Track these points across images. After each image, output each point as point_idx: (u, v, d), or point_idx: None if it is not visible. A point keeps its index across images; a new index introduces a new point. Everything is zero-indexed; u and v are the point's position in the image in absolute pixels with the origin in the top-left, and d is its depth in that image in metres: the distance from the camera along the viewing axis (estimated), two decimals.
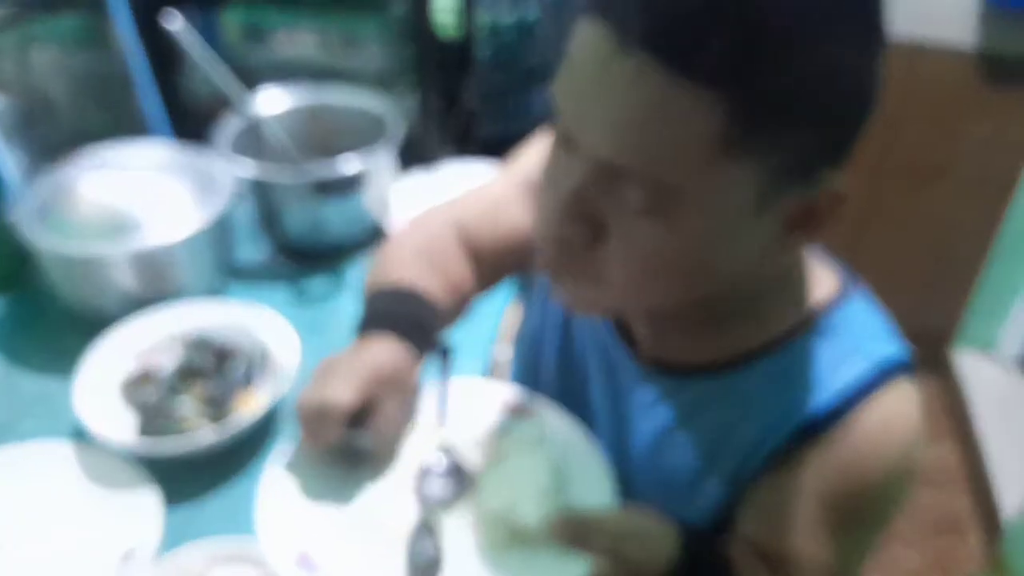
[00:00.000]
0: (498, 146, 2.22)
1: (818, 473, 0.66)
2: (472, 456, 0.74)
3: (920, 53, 1.94)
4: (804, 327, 0.67)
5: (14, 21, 1.24)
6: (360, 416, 0.68)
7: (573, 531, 0.62)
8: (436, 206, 0.91)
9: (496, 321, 1.22)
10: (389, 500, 0.71)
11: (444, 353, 0.79)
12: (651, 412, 0.74)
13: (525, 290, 0.96)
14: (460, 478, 0.72)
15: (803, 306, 0.68)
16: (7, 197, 1.10)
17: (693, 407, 0.71)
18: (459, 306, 0.85)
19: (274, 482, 0.70)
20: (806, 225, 0.57)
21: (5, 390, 1.08)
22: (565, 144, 0.57)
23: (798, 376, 0.67)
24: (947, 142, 2.04)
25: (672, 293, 0.61)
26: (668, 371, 0.73)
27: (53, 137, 1.26)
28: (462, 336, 1.12)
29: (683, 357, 0.72)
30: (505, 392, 0.80)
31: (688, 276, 0.59)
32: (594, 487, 0.69)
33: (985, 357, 2.41)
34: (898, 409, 0.66)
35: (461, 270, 0.85)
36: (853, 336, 0.67)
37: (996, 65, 1.92)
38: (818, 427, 0.65)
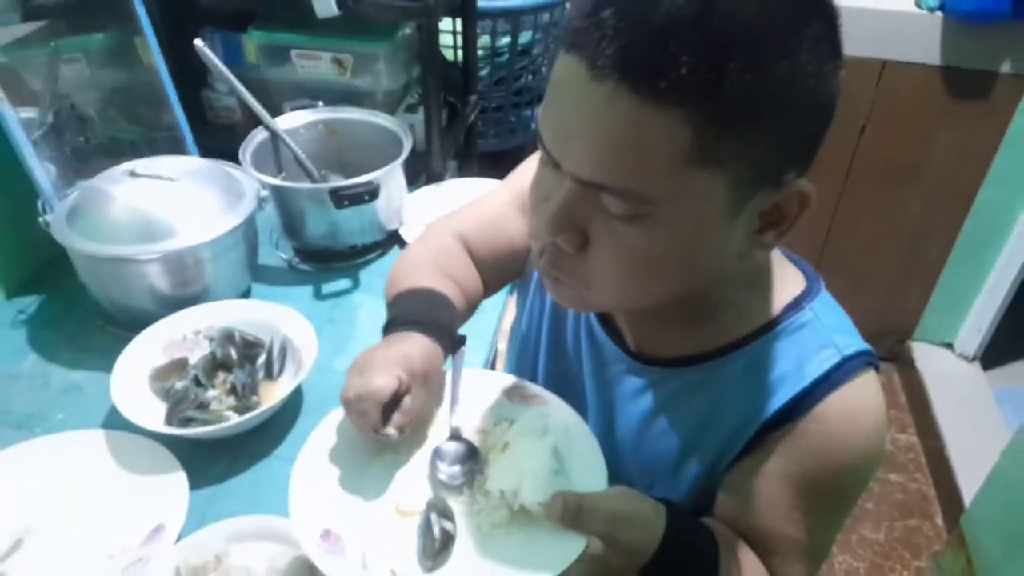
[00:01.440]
0: (497, 158, 2.22)
1: (792, 458, 0.66)
2: (480, 441, 0.75)
3: (890, 68, 1.94)
4: (777, 322, 0.68)
5: (45, 38, 1.22)
6: (392, 404, 0.69)
7: (570, 512, 0.62)
8: (443, 218, 0.93)
9: (498, 314, 1.22)
10: (406, 482, 0.72)
11: (458, 344, 0.80)
12: (637, 401, 0.74)
13: (519, 287, 0.96)
14: (470, 462, 0.72)
15: (775, 303, 0.69)
16: (41, 202, 1.08)
17: (675, 396, 0.72)
18: (470, 308, 0.88)
19: (306, 466, 0.71)
20: (777, 225, 0.58)
21: (38, 384, 1.06)
22: (551, 166, 0.58)
23: (772, 367, 0.67)
24: (914, 149, 2.05)
25: (654, 293, 0.62)
26: (652, 363, 0.73)
27: (83, 149, 1.24)
28: (467, 328, 1.11)
29: (666, 350, 0.72)
30: (511, 382, 0.80)
31: (669, 277, 0.60)
32: (591, 472, 0.69)
33: (945, 351, 2.41)
34: (864, 398, 0.66)
35: (470, 276, 0.88)
36: (822, 331, 0.67)
37: (959, 78, 1.92)
38: (791, 415, 0.66)
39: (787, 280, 0.70)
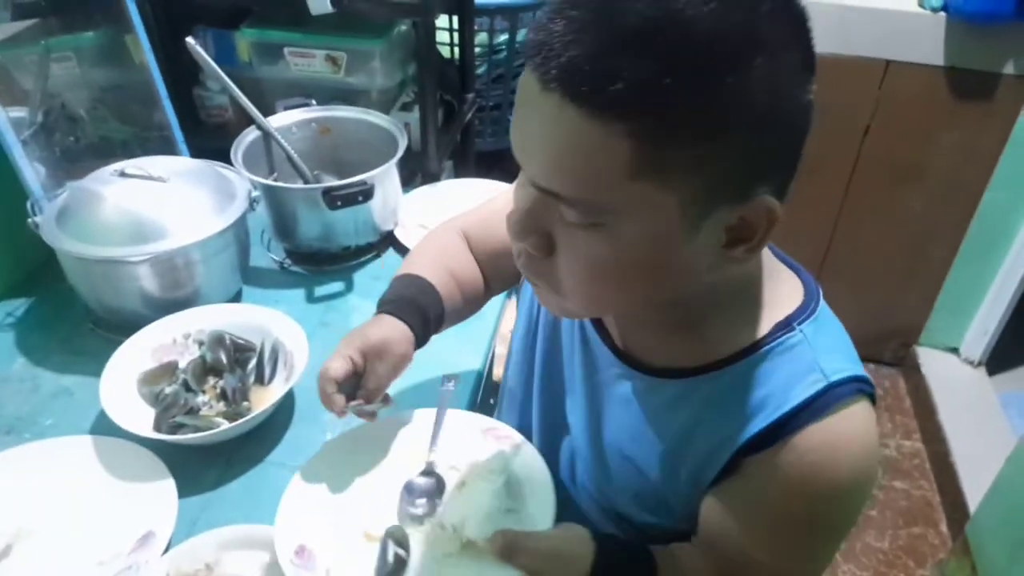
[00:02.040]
0: (495, 158, 2.22)
1: (767, 486, 0.65)
2: (448, 477, 0.85)
3: (893, 68, 1.94)
4: (764, 342, 0.66)
5: (36, 36, 1.23)
6: (355, 383, 0.81)
7: (507, 548, 0.70)
8: (451, 218, 0.99)
9: (496, 318, 1.22)
10: (378, 509, 0.82)
11: (446, 386, 0.93)
12: (626, 406, 0.74)
13: (519, 290, 0.97)
14: (435, 495, 0.82)
15: (764, 321, 0.67)
16: (30, 203, 1.09)
17: (661, 406, 0.71)
18: (466, 301, 0.93)
19: (295, 489, 0.82)
20: (746, 240, 0.58)
21: (27, 388, 1.06)
22: (523, 172, 0.60)
23: (755, 389, 0.66)
24: (918, 150, 2.05)
25: (622, 301, 0.64)
26: (643, 370, 0.73)
27: (73, 148, 1.25)
28: (465, 332, 1.11)
29: (655, 358, 0.72)
30: (489, 424, 0.90)
31: (632, 286, 0.61)
32: (541, 511, 0.77)
33: (951, 356, 2.41)
34: (848, 429, 0.64)
35: (468, 270, 0.94)
36: (810, 354, 0.65)
37: (963, 78, 1.93)
38: (770, 440, 0.64)
39: (782, 294, 0.68)
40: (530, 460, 0.83)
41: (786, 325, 0.66)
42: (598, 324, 0.78)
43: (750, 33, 0.50)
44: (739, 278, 0.66)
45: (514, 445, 0.86)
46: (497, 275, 0.96)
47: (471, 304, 0.95)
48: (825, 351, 0.65)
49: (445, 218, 0.99)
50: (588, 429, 0.79)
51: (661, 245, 0.56)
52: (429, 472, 0.84)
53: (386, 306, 0.85)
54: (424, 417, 0.91)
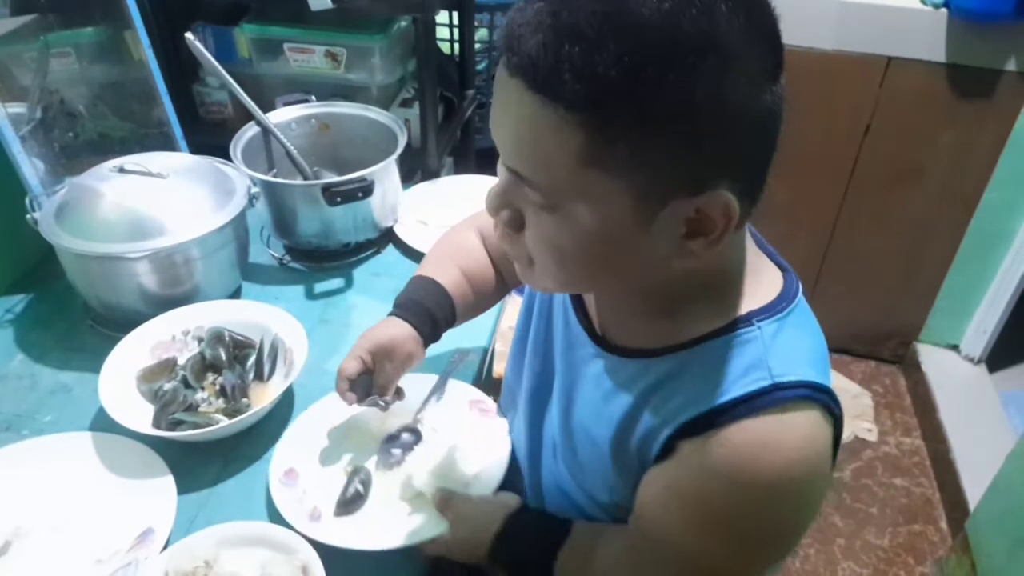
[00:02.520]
0: (495, 155, 2.22)
1: (694, 472, 0.65)
2: (428, 436, 0.97)
3: (895, 65, 1.94)
4: (725, 331, 0.66)
5: (35, 31, 1.22)
6: (368, 380, 0.91)
7: (441, 502, 0.85)
8: (471, 215, 1.04)
9: (496, 315, 1.22)
10: (361, 451, 0.96)
11: (458, 358, 1.03)
12: (594, 386, 0.76)
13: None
14: (410, 449, 0.95)
15: (731, 313, 0.67)
16: (29, 199, 1.08)
17: (621, 386, 0.72)
18: (478, 296, 0.99)
19: (300, 423, 0.98)
20: (706, 233, 0.58)
21: (26, 385, 1.06)
22: None
23: (700, 377, 0.66)
24: (918, 148, 2.05)
25: (588, 281, 0.68)
26: (614, 351, 0.74)
27: (72, 145, 1.25)
28: (465, 329, 1.12)
29: (629, 341, 0.73)
30: (479, 397, 1.01)
31: (593, 268, 0.63)
32: (485, 479, 0.89)
33: (951, 353, 2.41)
34: (783, 433, 0.62)
35: (480, 268, 0.99)
36: (762, 352, 0.64)
37: (964, 76, 1.92)
38: (704, 428, 0.64)
39: (759, 288, 0.68)
40: (498, 436, 0.94)
41: (746, 320, 0.66)
42: (578, 306, 0.79)
43: (703, 32, 0.50)
44: (715, 269, 0.66)
45: (488, 419, 0.97)
46: (511, 269, 0.97)
47: (485, 300, 1.01)
48: (780, 352, 0.64)
49: (445, 214, 1.01)
50: (561, 407, 0.81)
51: (616, 232, 0.58)
52: (411, 428, 0.97)
53: (397, 309, 0.93)
54: (426, 381, 1.02)
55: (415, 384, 1.00)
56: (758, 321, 0.65)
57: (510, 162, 0.59)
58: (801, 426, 0.63)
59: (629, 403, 0.71)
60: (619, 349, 0.73)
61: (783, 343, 0.65)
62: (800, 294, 0.69)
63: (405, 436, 0.96)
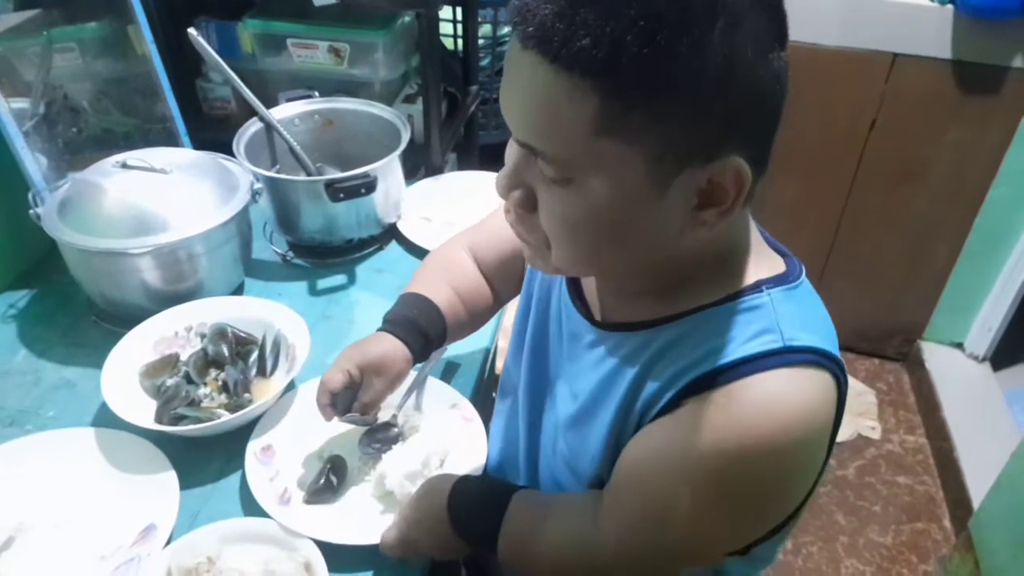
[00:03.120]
0: (498, 151, 2.22)
1: (695, 426, 0.63)
2: (406, 433, 0.98)
3: (900, 61, 1.93)
4: (732, 298, 0.66)
5: (38, 27, 1.22)
6: (352, 394, 0.90)
7: (389, 543, 0.82)
8: (456, 235, 1.03)
9: (498, 314, 1.21)
10: (342, 441, 0.96)
11: (434, 348, 0.97)
12: (595, 370, 0.75)
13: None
14: (388, 445, 0.95)
15: (741, 281, 0.67)
16: (32, 195, 1.08)
17: (625, 360, 0.72)
18: (471, 315, 0.99)
19: (287, 400, 0.99)
20: (717, 203, 0.59)
21: (29, 380, 1.06)
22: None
23: (708, 338, 0.65)
24: (924, 145, 2.04)
25: (600, 258, 0.65)
26: (616, 328, 0.74)
27: (75, 140, 1.24)
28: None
29: (630, 317, 0.72)
30: (461, 402, 1.01)
31: (606, 243, 0.62)
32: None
33: (955, 351, 2.40)
34: (791, 391, 0.62)
35: (473, 286, 0.98)
36: (773, 316, 0.64)
37: (970, 72, 1.92)
38: (708, 384, 0.63)
39: (763, 264, 0.69)
40: (475, 442, 0.95)
41: (755, 287, 0.66)
42: (576, 295, 0.79)
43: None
44: (722, 246, 0.67)
45: (469, 426, 0.98)
46: (505, 283, 1.00)
47: (477, 318, 1.01)
48: (789, 318, 0.64)
49: (448, 211, 1.00)
50: (564, 404, 0.80)
51: (630, 203, 0.58)
52: (391, 424, 0.97)
53: (388, 324, 0.92)
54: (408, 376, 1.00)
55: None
56: (767, 288, 0.66)
57: (523, 136, 0.59)
58: (808, 389, 0.62)
59: (633, 375, 0.70)
60: (620, 326, 0.73)
61: (792, 311, 0.65)
62: (804, 275, 0.69)
63: (385, 431, 0.97)
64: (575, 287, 0.80)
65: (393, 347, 0.90)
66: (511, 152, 0.63)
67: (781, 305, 0.65)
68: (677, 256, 0.65)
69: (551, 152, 0.58)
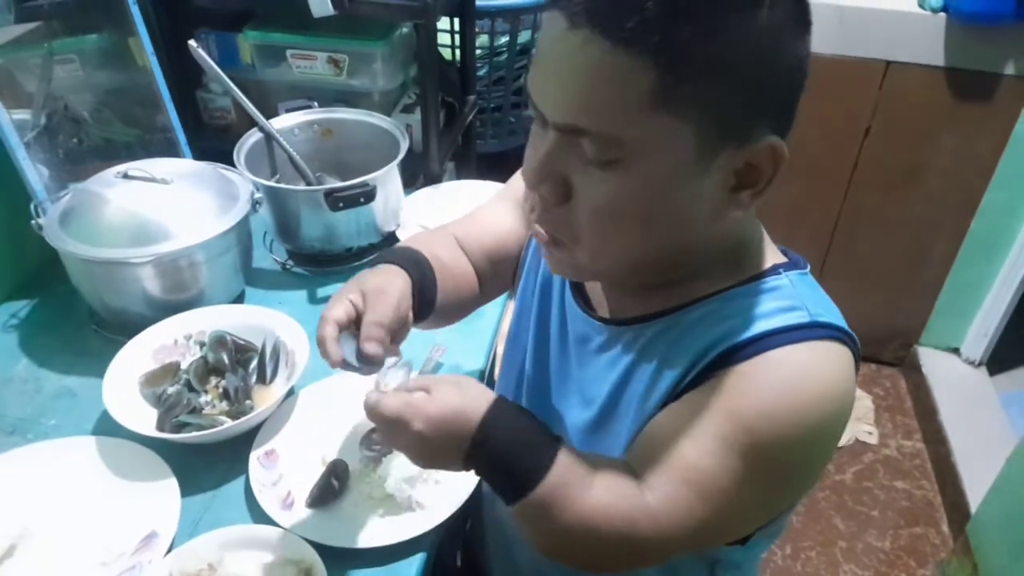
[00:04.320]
0: (496, 160, 2.22)
1: (726, 393, 0.63)
2: None
3: (894, 69, 1.94)
4: (752, 280, 0.68)
5: (39, 38, 1.23)
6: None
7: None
8: (439, 226, 0.97)
9: (497, 317, 1.22)
10: (344, 444, 0.97)
11: (436, 353, 1.02)
12: (612, 368, 0.74)
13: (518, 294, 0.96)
14: (387, 448, 0.93)
15: (757, 268, 0.69)
16: (33, 205, 1.09)
17: (644, 350, 0.72)
18: (466, 297, 0.91)
19: (290, 405, 1.00)
20: (752, 184, 0.60)
21: (30, 389, 1.06)
22: (540, 122, 0.62)
23: (740, 312, 0.66)
24: (918, 151, 2.05)
25: (636, 246, 0.64)
26: (629, 323, 0.73)
27: (76, 151, 1.25)
28: (467, 332, 1.12)
29: (645, 310, 0.72)
30: None
31: (646, 229, 0.62)
32: (455, 489, 0.90)
33: (952, 356, 2.41)
34: (824, 362, 0.63)
35: (464, 267, 0.91)
36: (796, 295, 0.66)
37: (963, 79, 1.92)
38: (734, 357, 0.63)
39: (769, 258, 0.70)
40: None
41: (773, 270, 0.68)
42: (579, 295, 0.79)
43: None
44: (735, 240, 0.68)
45: None
46: (492, 277, 0.94)
47: (461, 300, 0.90)
48: (811, 299, 0.66)
49: (446, 219, 0.99)
50: (581, 403, 0.79)
51: (676, 182, 0.59)
52: None
53: (383, 256, 0.83)
54: (405, 377, 0.96)
55: (394, 379, 0.98)
56: (784, 271, 0.68)
57: (569, 117, 0.58)
58: (836, 363, 0.64)
59: (651, 368, 0.69)
60: (635, 319, 0.72)
61: (810, 292, 0.68)
62: (808, 268, 0.71)
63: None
64: (578, 289, 0.79)
65: (395, 274, 0.79)
66: (545, 140, 0.61)
67: (800, 286, 0.67)
68: (699, 244, 0.65)
69: (604, 130, 0.57)
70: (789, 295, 0.66)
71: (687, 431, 0.63)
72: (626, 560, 0.67)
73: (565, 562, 0.69)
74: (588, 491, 0.64)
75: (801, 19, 0.58)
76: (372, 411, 0.65)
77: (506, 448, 0.64)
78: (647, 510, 0.63)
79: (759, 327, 0.64)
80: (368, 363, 0.73)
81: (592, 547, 0.65)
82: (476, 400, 0.65)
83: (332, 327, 0.74)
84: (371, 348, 0.72)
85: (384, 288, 0.77)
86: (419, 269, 0.81)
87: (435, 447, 0.64)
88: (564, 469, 0.63)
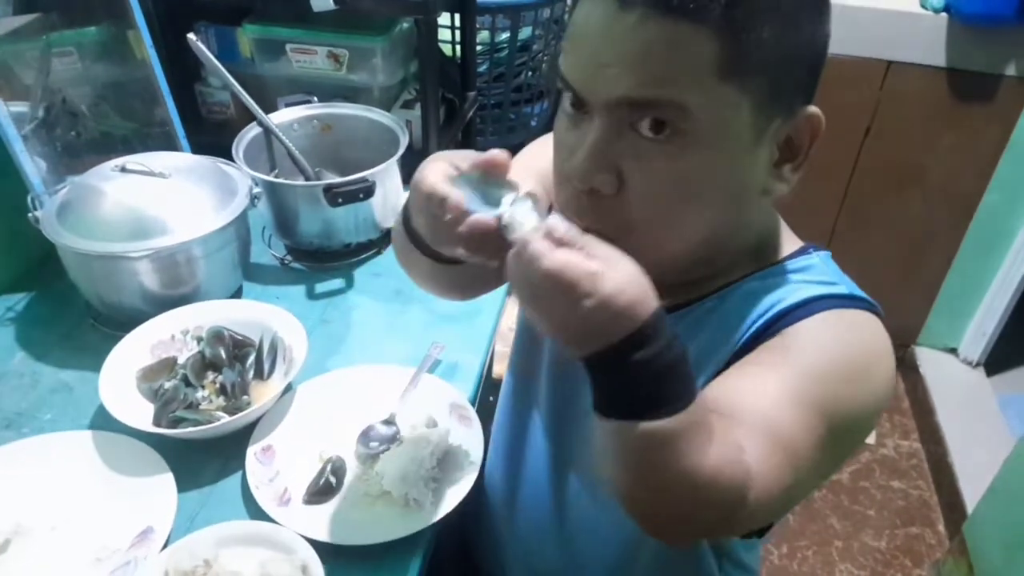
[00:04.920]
0: None
1: (789, 350, 0.62)
2: (404, 431, 0.97)
3: (895, 69, 1.94)
4: (785, 259, 0.70)
5: (37, 31, 1.22)
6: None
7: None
8: None
9: (496, 316, 1.22)
10: (341, 439, 0.96)
11: (435, 350, 1.01)
12: None
13: None
14: (387, 443, 0.95)
15: (783, 252, 0.71)
16: (30, 198, 1.08)
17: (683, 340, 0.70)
18: (488, 274, 0.78)
19: (287, 400, 0.99)
20: (792, 158, 0.62)
21: (26, 383, 1.06)
22: (575, 114, 0.61)
23: (776, 287, 0.67)
24: (918, 152, 2.05)
25: (692, 228, 0.62)
26: (672, 310, 0.71)
27: (74, 144, 1.24)
28: (466, 330, 1.11)
29: (668, 304, 0.69)
30: (460, 400, 1.01)
31: (705, 206, 0.61)
32: (454, 491, 0.89)
33: (950, 357, 2.41)
34: (874, 325, 0.65)
35: None
36: (829, 273, 0.69)
37: (964, 80, 1.92)
38: (791, 315, 0.64)
39: (793, 242, 0.73)
40: (472, 445, 0.94)
41: (802, 251, 0.70)
42: None
43: None
44: (763, 228, 0.70)
45: (467, 426, 0.97)
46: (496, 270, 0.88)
47: (486, 271, 0.71)
48: (842, 276, 0.69)
49: None
50: None
51: (733, 157, 0.59)
52: (389, 422, 0.97)
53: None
54: (404, 374, 1.03)
55: (393, 376, 1.02)
56: (813, 251, 0.70)
57: (627, 89, 0.56)
58: (882, 331, 0.65)
59: (702, 346, 0.69)
60: (667, 310, 0.70)
61: (839, 271, 0.70)
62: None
63: (383, 429, 0.96)
64: None
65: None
66: (586, 133, 0.59)
67: (830, 264, 0.70)
68: (740, 231, 0.66)
69: (670, 96, 0.55)
70: (822, 272, 0.68)
71: (758, 388, 0.59)
72: (722, 526, 0.60)
73: (650, 517, 0.58)
74: (711, 442, 0.54)
75: (825, 3, 0.59)
76: (532, 264, 0.50)
77: (664, 358, 0.51)
78: (753, 471, 0.55)
79: (805, 293, 0.65)
80: (491, 198, 0.58)
81: (704, 503, 0.54)
82: (647, 286, 0.52)
83: (442, 181, 0.61)
84: (501, 155, 0.58)
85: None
86: None
87: (600, 322, 0.50)
88: (701, 408, 0.53)
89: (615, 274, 0.50)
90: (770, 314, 0.65)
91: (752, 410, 0.58)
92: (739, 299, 0.68)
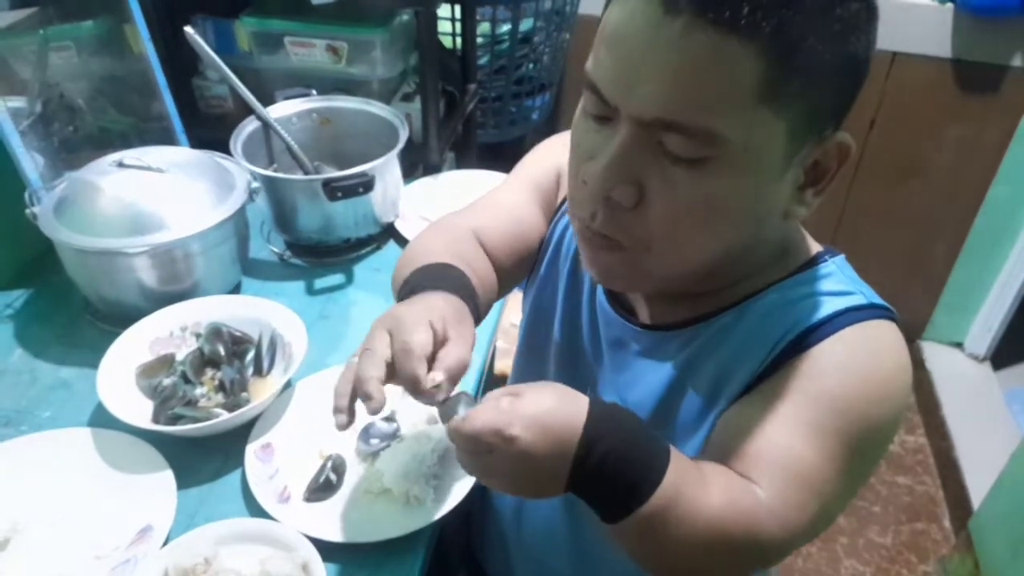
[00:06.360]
0: (497, 150, 2.22)
1: (807, 377, 0.62)
2: (405, 428, 0.97)
3: (900, 60, 1.94)
4: (800, 270, 0.69)
5: (34, 25, 1.22)
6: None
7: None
8: (453, 213, 0.89)
9: (497, 311, 1.23)
10: (340, 436, 0.94)
11: None
12: (656, 373, 0.73)
13: (527, 285, 0.94)
14: (388, 440, 0.95)
15: (802, 259, 0.70)
16: (28, 194, 1.08)
17: (699, 353, 0.70)
18: (485, 300, 0.80)
19: (286, 397, 0.99)
20: (816, 182, 0.60)
21: (25, 380, 1.06)
22: (600, 120, 0.59)
23: (797, 300, 0.66)
24: (923, 144, 2.05)
25: (710, 248, 0.62)
26: (671, 329, 0.72)
27: (72, 139, 1.24)
28: None
29: (684, 317, 0.71)
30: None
31: (726, 228, 0.60)
32: (457, 488, 0.89)
33: (955, 351, 2.41)
34: (890, 339, 0.65)
35: (485, 269, 0.82)
36: (847, 281, 0.68)
37: (969, 71, 1.92)
38: (810, 338, 0.64)
39: (812, 247, 0.72)
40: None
41: (819, 259, 0.69)
42: (614, 300, 0.77)
43: None
44: (784, 236, 0.69)
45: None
46: (511, 275, 0.87)
47: (488, 304, 0.82)
48: (857, 282, 0.68)
49: (446, 210, 0.95)
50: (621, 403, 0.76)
51: (760, 182, 0.57)
52: (390, 419, 0.97)
53: (430, 286, 0.70)
54: None
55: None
56: (830, 258, 0.69)
57: (661, 110, 0.53)
58: (898, 340, 0.65)
59: (718, 362, 0.68)
60: (682, 324, 0.71)
61: (854, 275, 0.69)
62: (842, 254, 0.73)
63: (384, 426, 0.96)
64: (612, 293, 0.77)
65: (462, 306, 0.68)
66: (611, 140, 0.57)
67: (846, 270, 0.69)
68: (759, 245, 0.66)
69: (701, 124, 0.53)
70: (839, 281, 0.67)
71: (777, 421, 0.61)
72: (752, 563, 0.62)
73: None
74: (706, 495, 0.57)
75: (872, 14, 0.56)
76: (459, 430, 0.57)
77: (620, 448, 0.55)
78: (766, 507, 0.58)
79: (825, 310, 0.65)
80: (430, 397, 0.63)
81: (719, 554, 0.58)
82: (573, 396, 0.57)
83: (422, 364, 0.61)
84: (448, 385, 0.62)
85: (461, 318, 0.67)
86: (474, 301, 0.72)
87: (540, 458, 0.55)
88: (680, 472, 0.57)
89: (529, 400, 0.56)
90: (792, 335, 0.64)
91: (770, 447, 0.60)
92: (760, 314, 0.67)
